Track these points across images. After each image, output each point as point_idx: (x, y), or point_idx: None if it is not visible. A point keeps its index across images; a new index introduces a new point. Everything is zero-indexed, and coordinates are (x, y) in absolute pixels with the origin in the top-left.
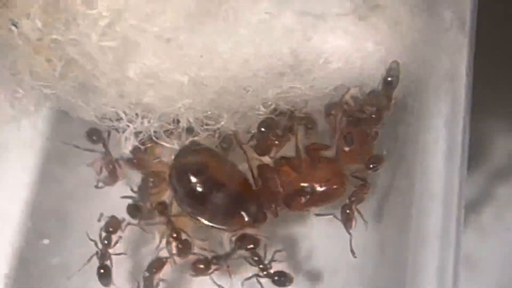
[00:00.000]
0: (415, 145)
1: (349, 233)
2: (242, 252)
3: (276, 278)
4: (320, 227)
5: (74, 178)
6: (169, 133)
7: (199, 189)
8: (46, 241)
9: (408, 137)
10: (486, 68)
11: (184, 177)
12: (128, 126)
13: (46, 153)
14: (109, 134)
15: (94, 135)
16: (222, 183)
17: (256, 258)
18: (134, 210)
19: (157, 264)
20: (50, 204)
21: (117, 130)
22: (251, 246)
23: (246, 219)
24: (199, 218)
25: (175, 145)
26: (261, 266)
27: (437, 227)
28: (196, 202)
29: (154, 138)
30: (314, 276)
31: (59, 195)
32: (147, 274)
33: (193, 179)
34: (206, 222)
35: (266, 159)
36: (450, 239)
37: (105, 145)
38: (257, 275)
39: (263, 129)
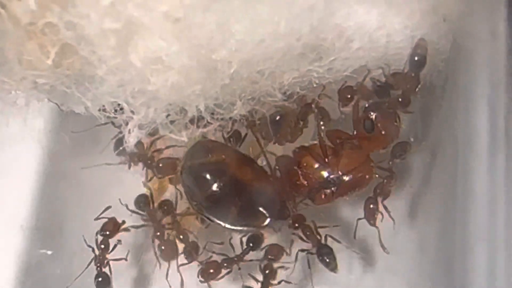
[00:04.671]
0: (451, 132)
1: (376, 227)
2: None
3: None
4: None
5: (72, 180)
6: (176, 124)
7: (222, 191)
8: (49, 252)
9: (441, 123)
10: None
11: (203, 179)
12: (131, 117)
13: (40, 152)
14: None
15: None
16: (245, 182)
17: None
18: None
19: None
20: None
21: (113, 123)
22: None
23: (270, 218)
24: (219, 222)
25: (184, 137)
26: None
27: (484, 226)
28: (219, 206)
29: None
30: (343, 276)
31: (57, 199)
32: None
33: (214, 181)
34: (227, 226)
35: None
36: (499, 237)
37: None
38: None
39: (278, 119)
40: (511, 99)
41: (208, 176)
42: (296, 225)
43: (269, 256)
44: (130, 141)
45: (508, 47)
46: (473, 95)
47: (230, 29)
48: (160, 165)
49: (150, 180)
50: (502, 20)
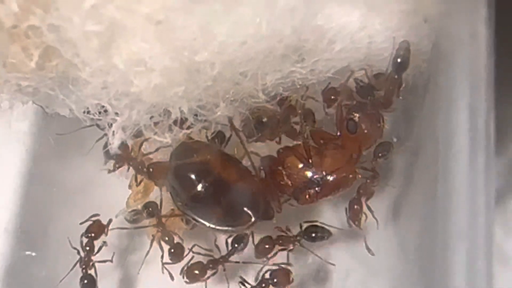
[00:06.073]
0: (432, 132)
1: (361, 229)
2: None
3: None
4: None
5: (56, 182)
6: (159, 126)
7: (207, 191)
8: (33, 254)
9: (422, 124)
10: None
11: (188, 179)
12: (115, 119)
13: (25, 154)
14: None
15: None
16: (230, 182)
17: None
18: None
19: None
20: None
21: (98, 126)
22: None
23: (254, 218)
24: (204, 222)
25: (167, 139)
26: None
27: (464, 226)
28: (204, 206)
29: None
30: (326, 279)
31: (42, 201)
32: None
33: (199, 181)
34: (212, 226)
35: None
36: (479, 238)
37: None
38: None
39: (264, 120)
40: (491, 99)
41: (193, 177)
42: (267, 246)
43: (274, 280)
44: (114, 143)
45: (488, 48)
46: (453, 95)
47: (212, 31)
48: (151, 169)
49: (139, 183)
50: (482, 21)
